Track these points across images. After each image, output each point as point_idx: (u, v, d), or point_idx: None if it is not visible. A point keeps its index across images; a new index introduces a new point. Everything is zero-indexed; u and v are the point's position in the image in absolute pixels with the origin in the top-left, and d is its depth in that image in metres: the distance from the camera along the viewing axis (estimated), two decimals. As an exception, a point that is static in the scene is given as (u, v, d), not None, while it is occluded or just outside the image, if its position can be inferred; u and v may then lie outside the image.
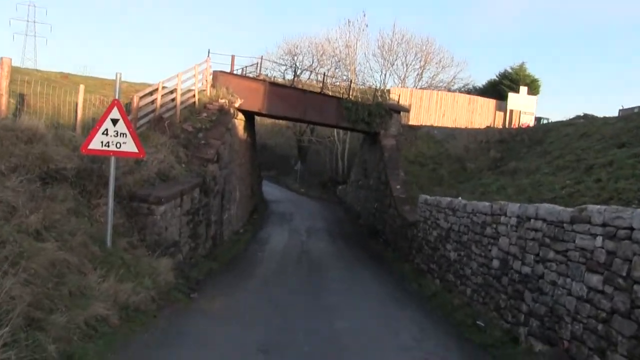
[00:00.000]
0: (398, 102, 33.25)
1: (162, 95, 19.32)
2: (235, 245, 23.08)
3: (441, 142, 30.77)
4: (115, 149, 10.30)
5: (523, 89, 41.69)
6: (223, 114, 22.68)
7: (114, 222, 11.57)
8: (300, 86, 29.59)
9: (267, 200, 43.31)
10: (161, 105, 19.39)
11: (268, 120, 68.77)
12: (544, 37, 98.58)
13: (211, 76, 24.32)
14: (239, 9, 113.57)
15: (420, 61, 56.36)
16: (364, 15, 79.67)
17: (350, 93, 30.47)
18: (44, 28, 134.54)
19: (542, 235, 9.91)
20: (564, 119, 27.79)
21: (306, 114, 27.86)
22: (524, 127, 32.56)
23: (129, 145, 10.42)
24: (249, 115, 28.31)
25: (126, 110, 18.78)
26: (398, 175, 26.71)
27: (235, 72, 26.39)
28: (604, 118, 23.53)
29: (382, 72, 55.46)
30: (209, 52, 24.06)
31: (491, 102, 41.86)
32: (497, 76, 54.08)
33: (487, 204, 13.47)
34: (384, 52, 55.06)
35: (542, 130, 25.66)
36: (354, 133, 54.66)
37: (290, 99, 27.20)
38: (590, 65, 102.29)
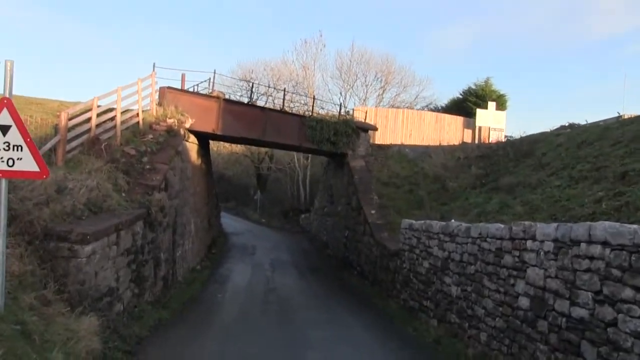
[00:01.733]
0: (365, 120, 30.70)
1: (98, 114, 16.39)
2: (191, 286, 19.98)
3: (415, 161, 28.28)
4: (6, 168, 7.21)
5: (491, 105, 40.17)
6: (172, 136, 19.77)
7: (20, 270, 8.58)
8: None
9: (226, 233, 40.16)
10: (97, 125, 16.48)
11: (224, 149, 66.75)
12: (502, 56, 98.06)
13: (157, 93, 21.39)
14: (186, 32, 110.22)
15: (380, 81, 54.41)
16: (321, 35, 77.81)
17: (313, 111, 27.83)
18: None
19: (606, 265, 7.22)
20: (548, 130, 25.48)
21: (265, 134, 25.00)
22: (500, 142, 30.30)
23: (27, 162, 7.27)
24: (203, 138, 25.36)
25: (54, 131, 15.90)
26: (372, 199, 24.05)
27: (186, 89, 23.41)
28: (604, 123, 21.23)
29: (341, 94, 53.15)
30: (154, 66, 21.13)
31: (459, 120, 40.21)
32: (460, 94, 52.51)
33: (501, 226, 10.82)
34: (343, 73, 52.93)
35: (527, 142, 23.33)
36: (316, 158, 52.58)
37: (248, 118, 24.37)
38: (544, 81, 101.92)
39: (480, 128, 38.70)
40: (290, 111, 28.22)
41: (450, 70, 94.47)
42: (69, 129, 14.92)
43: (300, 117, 26.86)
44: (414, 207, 23.06)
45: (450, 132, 38.84)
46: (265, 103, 44.28)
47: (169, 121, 19.95)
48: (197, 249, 25.76)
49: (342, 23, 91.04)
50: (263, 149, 59.18)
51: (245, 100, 24.98)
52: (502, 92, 48.67)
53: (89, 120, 15.97)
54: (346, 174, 28.26)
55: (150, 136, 18.81)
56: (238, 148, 63.99)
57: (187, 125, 21.15)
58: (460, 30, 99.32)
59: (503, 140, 30.95)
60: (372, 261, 21.67)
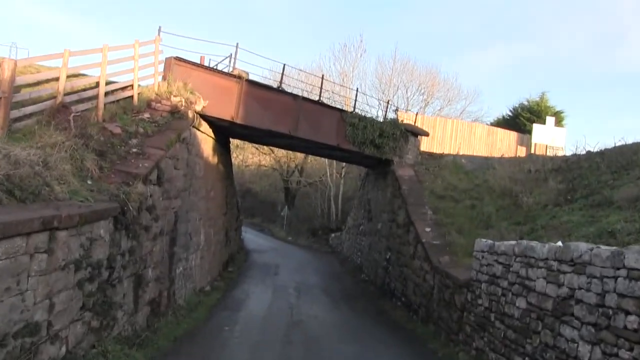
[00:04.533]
0: (414, 123, 26.07)
1: (70, 76, 12.13)
2: (192, 313, 15.44)
3: (474, 172, 23.55)
4: None
5: (550, 120, 35.65)
6: (176, 118, 15.34)
7: None
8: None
9: (248, 250, 35.76)
10: (70, 93, 12.18)
11: (251, 159, 62.53)
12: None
13: (162, 64, 16.94)
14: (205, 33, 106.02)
15: (423, 94, 49.86)
16: (361, 41, 73.57)
17: (356, 107, 23.25)
18: None
19: None
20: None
21: (298, 128, 20.40)
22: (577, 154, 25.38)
23: None
24: (220, 132, 20.85)
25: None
26: (425, 214, 19.32)
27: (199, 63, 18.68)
28: None
29: (380, 105, 48.65)
30: (159, 30, 16.50)
31: (512, 135, 35.88)
32: (511, 110, 48.42)
33: None
34: (383, 83, 48.45)
35: (625, 152, 18.48)
36: (350, 172, 48.15)
37: (276, 107, 19.82)
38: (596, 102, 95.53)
39: (535, 145, 34.06)
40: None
41: (495, 87, 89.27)
42: (20, 88, 10.65)
43: (340, 112, 22.25)
44: (479, 225, 18.29)
45: (502, 148, 34.23)
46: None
47: (174, 99, 15.51)
48: (209, 265, 21.28)
49: (383, 29, 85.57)
50: (293, 159, 55.03)
51: (274, 84, 20.29)
52: (558, 109, 44.53)
53: (54, 80, 11.70)
54: (390, 185, 23.61)
55: (147, 115, 14.44)
56: (266, 160, 60.05)
57: (199, 108, 16.66)
58: (501, 53, 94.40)
59: (582, 153, 26.05)
60: (425, 292, 16.92)
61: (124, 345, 10.04)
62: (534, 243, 10.35)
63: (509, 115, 48.01)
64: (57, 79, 11.66)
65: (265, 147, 55.83)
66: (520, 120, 44.09)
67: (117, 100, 14.17)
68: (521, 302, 10.32)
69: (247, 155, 62.23)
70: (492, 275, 11.88)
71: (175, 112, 15.42)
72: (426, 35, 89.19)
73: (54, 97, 11.62)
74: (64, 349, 7.97)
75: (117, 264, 10.12)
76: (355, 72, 48.18)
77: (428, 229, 18.12)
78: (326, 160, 47.77)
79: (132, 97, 14.66)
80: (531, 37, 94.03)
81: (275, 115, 19.69)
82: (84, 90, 12.97)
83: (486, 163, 24.62)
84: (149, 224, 12.09)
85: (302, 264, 32.20)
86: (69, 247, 7.94)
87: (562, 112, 44.47)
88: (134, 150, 12.24)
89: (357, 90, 24.09)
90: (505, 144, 34.96)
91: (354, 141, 22.06)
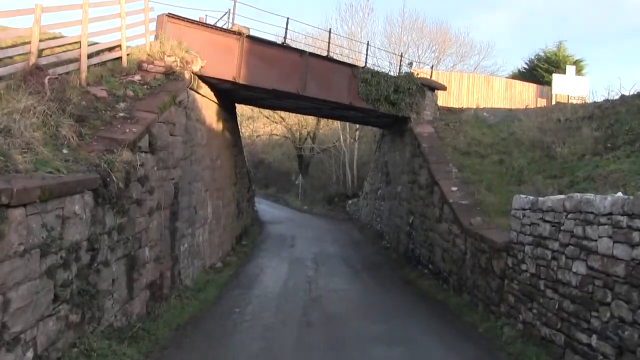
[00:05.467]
0: (430, 77, 24.23)
1: (45, 39, 10.58)
2: (200, 294, 13.97)
3: (497, 125, 21.80)
4: None
5: (570, 69, 33.60)
6: (171, 80, 13.69)
7: None
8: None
9: (262, 221, 34.36)
10: (44, 50, 10.63)
11: (262, 129, 60.81)
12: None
13: (154, 22, 15.19)
14: None
15: (434, 51, 47.67)
16: (368, 0, 71.19)
17: (367, 62, 21.42)
18: None
19: None
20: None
21: (306, 87, 18.54)
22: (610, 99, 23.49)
23: None
24: (224, 96, 19.14)
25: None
26: (449, 172, 17.65)
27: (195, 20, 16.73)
28: None
29: (391, 64, 46.63)
30: (149, -16, 14.86)
31: (531, 87, 33.80)
32: (526, 62, 46.20)
33: None
34: (392, 43, 46.16)
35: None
36: (365, 135, 46.33)
37: (282, 64, 17.99)
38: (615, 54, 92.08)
39: (556, 96, 32.11)
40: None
41: (507, 43, 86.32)
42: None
43: (352, 68, 20.39)
44: (510, 181, 16.63)
45: (521, 101, 32.23)
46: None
47: (168, 60, 13.81)
48: (220, 240, 19.84)
49: None
50: (305, 127, 53.31)
51: (278, 40, 18.41)
52: (577, 58, 42.35)
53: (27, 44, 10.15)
54: (409, 144, 21.92)
55: (138, 77, 12.81)
56: (277, 129, 58.38)
57: (196, 68, 14.94)
58: (509, 10, 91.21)
59: (615, 98, 24.14)
60: (455, 258, 15.35)
61: (114, 340, 8.57)
62: (590, 196, 8.70)
63: (524, 68, 45.84)
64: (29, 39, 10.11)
65: (276, 115, 54.33)
66: (538, 71, 41.96)
67: (104, 63, 12.56)
68: (579, 267, 8.70)
69: (259, 126, 60.69)
70: (538, 236, 10.26)
71: (170, 74, 13.78)
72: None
73: (28, 58, 10.07)
74: (30, 354, 6.49)
75: (102, 244, 8.61)
76: (364, 33, 45.81)
77: (454, 188, 16.47)
78: (339, 124, 46.11)
79: (120, 58, 13.01)
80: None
81: (281, 73, 17.90)
82: (64, 51, 11.37)
83: (510, 115, 22.83)
84: (141, 198, 10.56)
85: (319, 233, 30.74)
86: (28, 228, 6.40)
87: (581, 61, 42.22)
88: (121, 114, 10.66)
89: (367, 44, 22.25)
90: (525, 96, 33.03)
91: (367, 99, 20.29)
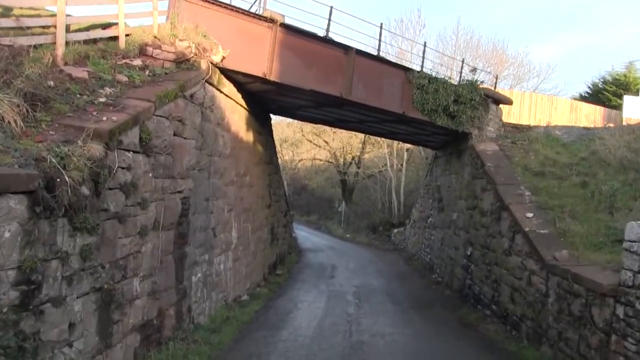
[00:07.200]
0: (494, 88, 21.33)
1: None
2: (214, 336, 11.30)
3: (573, 145, 18.68)
4: None
5: None
6: (183, 69, 11.17)
7: None
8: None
9: (301, 249, 31.69)
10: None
11: (305, 154, 58.38)
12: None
13: (165, 0, 12.60)
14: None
15: (489, 73, 44.71)
16: (419, 16, 68.59)
17: (424, 65, 18.54)
18: None
19: None
20: None
21: (352, 90, 15.74)
22: None
23: None
24: (255, 101, 16.51)
25: None
26: (522, 196, 14.64)
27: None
28: None
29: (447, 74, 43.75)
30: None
31: (598, 110, 30.85)
32: (589, 87, 43.40)
33: None
34: (445, 62, 43.47)
35: None
36: (412, 161, 43.55)
37: (323, 62, 15.19)
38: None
39: (627, 120, 28.91)
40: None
41: (564, 70, 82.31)
42: None
43: (405, 71, 17.55)
44: (598, 208, 13.55)
45: (588, 124, 29.25)
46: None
47: (180, 45, 11.26)
48: (248, 269, 17.19)
49: (443, 2, 79.07)
50: (349, 152, 50.77)
51: (319, 32, 15.59)
52: None
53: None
54: (469, 164, 19.00)
55: (138, 62, 10.29)
56: (321, 154, 55.97)
57: (217, 58, 12.31)
58: (565, 41, 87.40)
59: None
60: (531, 300, 12.30)
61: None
62: None
63: (587, 93, 43.10)
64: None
65: (319, 139, 51.99)
66: (605, 95, 39.03)
67: (93, 41, 10.11)
68: None
69: (301, 151, 58.51)
70: (671, 278, 7.30)
71: (182, 62, 11.25)
72: (490, 9, 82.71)
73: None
74: None
75: (49, 274, 5.98)
76: (415, 50, 43.37)
77: (530, 215, 13.46)
78: (386, 149, 43.59)
79: (117, 38, 10.52)
80: (594, 25, 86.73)
81: (322, 72, 15.12)
82: (35, 20, 8.95)
83: (587, 134, 19.69)
84: (126, 212, 7.93)
85: (361, 263, 27.84)
86: None
87: (655, 83, 39.03)
88: (102, 100, 8.10)
89: (425, 45, 19.38)
90: (591, 119, 29.92)
91: (423, 109, 17.42)
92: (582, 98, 40.00)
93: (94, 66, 9.22)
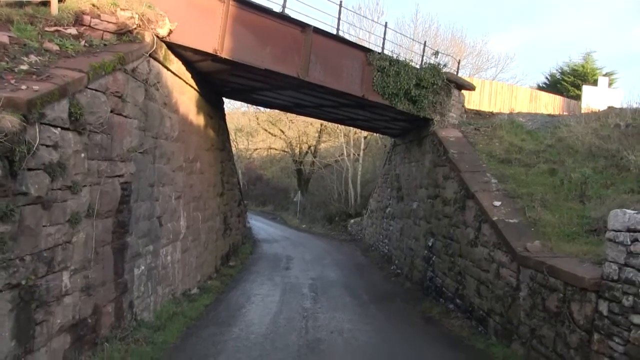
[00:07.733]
0: (457, 73, 20.64)
1: None
2: (158, 334, 10.23)
3: (538, 132, 18.13)
4: None
5: (603, 80, 30.95)
6: (125, 41, 10.05)
7: None
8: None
9: (256, 239, 30.77)
10: None
11: (261, 143, 57.12)
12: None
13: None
14: None
15: (452, 57, 44.35)
16: (377, 3, 68.03)
17: (384, 46, 17.66)
18: None
19: None
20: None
21: (310, 71, 14.72)
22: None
23: None
24: (206, 82, 15.45)
25: None
26: (488, 183, 13.93)
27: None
28: None
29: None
30: None
31: (557, 99, 30.71)
32: (547, 77, 43.58)
33: None
34: (403, 51, 42.81)
35: None
36: (369, 151, 42.89)
37: (279, 39, 14.08)
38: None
39: (586, 109, 28.85)
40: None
41: (522, 61, 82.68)
42: None
43: (366, 52, 16.63)
44: (568, 196, 12.91)
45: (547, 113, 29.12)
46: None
47: (122, 15, 10.13)
48: (199, 261, 16.13)
49: None
50: (305, 142, 49.81)
51: (275, 8, 14.38)
52: (608, 70, 39.44)
53: None
54: (430, 152, 18.26)
55: (73, 31, 9.14)
56: (276, 143, 54.79)
57: (163, 32, 11.21)
58: (520, 35, 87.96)
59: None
60: (499, 294, 11.59)
61: None
62: None
63: (545, 84, 43.24)
64: None
65: (275, 128, 50.84)
66: (563, 85, 39.18)
67: (21, 5, 8.94)
68: None
69: (257, 140, 57.21)
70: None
71: (124, 34, 10.13)
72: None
73: None
74: None
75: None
76: (373, 38, 42.64)
77: (497, 203, 12.73)
78: (342, 139, 42.78)
79: (48, 3, 9.34)
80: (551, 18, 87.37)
81: (278, 51, 14.05)
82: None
83: (552, 121, 19.16)
84: (52, 197, 6.84)
85: (318, 255, 27.00)
86: None
87: (612, 74, 39.22)
88: (24, 67, 6.98)
89: (385, 25, 18.44)
90: (550, 109, 29.69)
91: (383, 92, 16.55)
92: (540, 88, 40.08)
93: (18, 32, 8.05)
